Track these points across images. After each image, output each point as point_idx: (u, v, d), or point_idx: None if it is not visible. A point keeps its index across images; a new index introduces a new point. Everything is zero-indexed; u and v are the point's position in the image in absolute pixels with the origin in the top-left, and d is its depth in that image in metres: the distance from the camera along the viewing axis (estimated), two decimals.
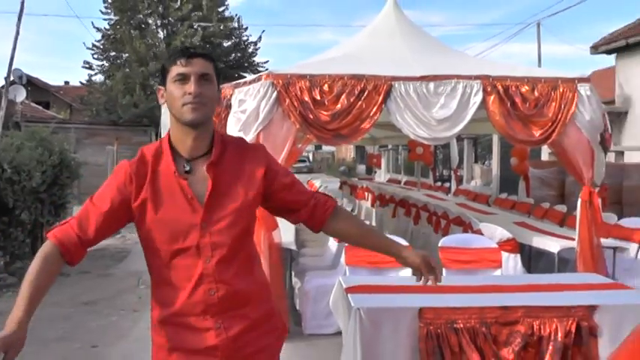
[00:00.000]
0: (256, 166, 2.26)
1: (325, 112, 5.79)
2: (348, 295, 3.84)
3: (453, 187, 13.66)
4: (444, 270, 5.25)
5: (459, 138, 16.30)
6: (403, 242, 5.43)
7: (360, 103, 5.85)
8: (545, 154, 14.54)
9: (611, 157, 14.62)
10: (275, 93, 5.68)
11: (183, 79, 2.12)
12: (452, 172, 14.52)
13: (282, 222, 6.58)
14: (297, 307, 6.24)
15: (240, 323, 2.20)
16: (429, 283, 2.39)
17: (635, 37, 16.22)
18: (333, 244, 7.02)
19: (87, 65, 27.85)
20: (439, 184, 15.24)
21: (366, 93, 5.85)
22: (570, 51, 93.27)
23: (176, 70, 2.13)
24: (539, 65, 25.89)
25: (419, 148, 12.98)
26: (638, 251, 6.86)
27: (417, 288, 4.05)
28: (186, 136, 2.16)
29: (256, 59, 29.78)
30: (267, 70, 6.38)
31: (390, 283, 4.34)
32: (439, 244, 5.46)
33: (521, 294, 4.05)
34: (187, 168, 2.16)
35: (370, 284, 4.17)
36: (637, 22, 17.01)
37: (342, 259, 5.52)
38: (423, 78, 5.97)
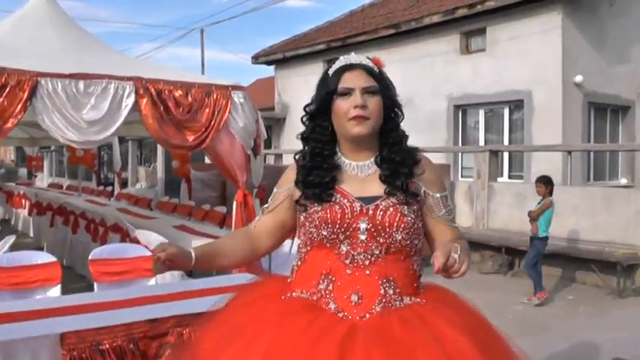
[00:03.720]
0: None
1: None
2: None
3: (117, 191, 13.25)
4: (95, 285, 4.94)
5: (123, 139, 15.90)
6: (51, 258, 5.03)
7: (1, 100, 5.20)
8: None
9: (271, 160, 15.51)
10: None
11: None
12: (115, 175, 14.11)
13: None
14: None
15: None
16: None
17: (290, 51, 17.55)
18: None
19: None
20: (102, 187, 14.65)
21: (8, 89, 5.18)
22: (236, 59, 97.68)
23: None
24: (203, 70, 26.55)
25: (79, 151, 12.24)
26: (291, 245, 7.25)
27: (60, 310, 3.72)
28: None
29: None
30: None
31: (31, 307, 3.87)
32: (89, 257, 5.08)
33: (172, 303, 3.94)
34: None
35: (7, 312, 3.68)
36: (293, 39, 18.43)
37: None
38: (72, 76, 5.53)
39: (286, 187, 2.26)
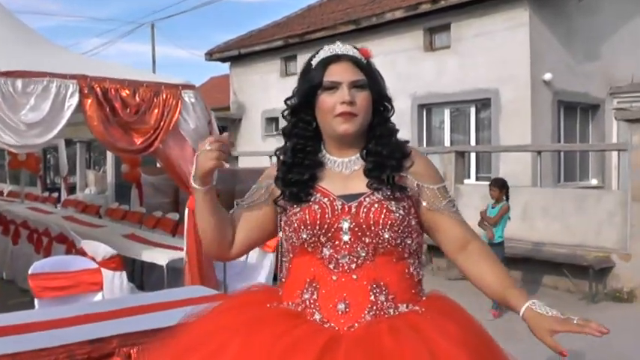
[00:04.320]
0: None
1: None
2: None
3: (63, 197, 12.74)
4: (36, 301, 4.59)
5: (70, 142, 15.38)
6: None
7: None
8: None
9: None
10: None
11: None
12: (62, 180, 13.61)
13: None
14: None
15: None
16: None
17: (246, 47, 17.14)
18: None
19: None
20: (48, 194, 14.02)
21: None
22: (189, 56, 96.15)
23: None
24: (154, 67, 25.95)
25: (21, 155, 11.66)
26: (247, 256, 6.95)
27: None
28: None
29: None
30: None
31: None
32: (29, 271, 4.73)
33: (119, 320, 3.71)
34: None
35: None
36: (248, 35, 17.99)
37: None
38: (8, 74, 5.14)
39: (266, 182, 2.09)
